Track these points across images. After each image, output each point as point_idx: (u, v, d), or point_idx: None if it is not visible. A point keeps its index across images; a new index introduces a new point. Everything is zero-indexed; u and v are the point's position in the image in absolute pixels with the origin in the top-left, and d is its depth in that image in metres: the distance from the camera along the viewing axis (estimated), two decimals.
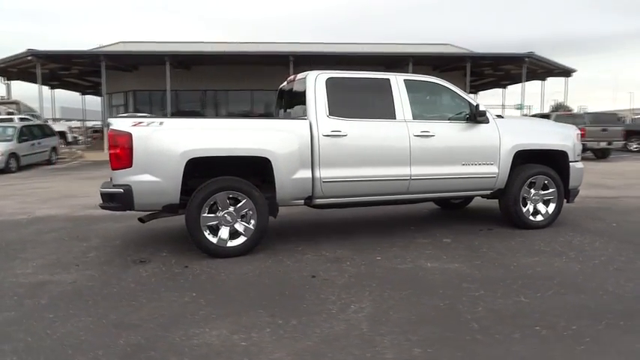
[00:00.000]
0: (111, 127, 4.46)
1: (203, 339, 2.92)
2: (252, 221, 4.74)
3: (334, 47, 27.63)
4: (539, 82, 31.63)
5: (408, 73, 26.28)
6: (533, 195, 5.75)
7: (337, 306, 3.41)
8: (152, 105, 29.57)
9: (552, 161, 5.85)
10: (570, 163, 5.88)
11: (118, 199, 4.46)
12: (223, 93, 29.85)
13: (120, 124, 4.46)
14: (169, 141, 4.51)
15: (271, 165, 4.72)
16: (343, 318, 3.20)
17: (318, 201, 5.03)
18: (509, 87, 35.84)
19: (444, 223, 6.18)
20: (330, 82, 5.08)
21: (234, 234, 4.74)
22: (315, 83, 5.04)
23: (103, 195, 4.54)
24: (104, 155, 21.42)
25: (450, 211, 7.18)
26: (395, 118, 5.23)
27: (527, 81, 32.50)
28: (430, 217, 6.75)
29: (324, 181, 4.91)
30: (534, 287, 3.73)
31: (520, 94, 29.30)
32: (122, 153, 4.41)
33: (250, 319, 3.21)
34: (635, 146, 20.68)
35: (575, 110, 60.04)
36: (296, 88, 5.54)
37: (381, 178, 5.12)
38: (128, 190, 4.42)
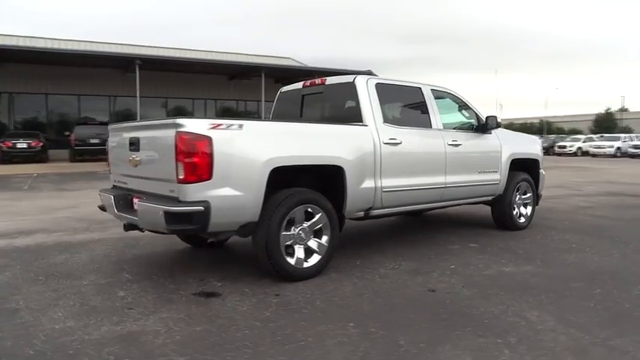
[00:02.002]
0: (182, 129, 3.54)
1: None
2: (325, 237, 4.27)
3: (182, 53, 26.19)
4: None
5: (252, 83, 26.24)
6: (518, 199, 6.38)
7: (515, 317, 3.29)
8: None
9: (527, 168, 6.57)
10: (540, 170, 6.69)
11: (196, 220, 3.56)
12: (40, 97, 25.69)
13: (196, 125, 3.57)
14: (252, 147, 3.79)
15: (344, 174, 4.32)
16: (545, 328, 3.10)
17: (374, 212, 4.77)
18: None
19: (438, 229, 6.41)
20: (379, 88, 4.89)
21: (306, 252, 4.20)
22: (367, 88, 4.78)
23: (173, 215, 3.54)
24: None
25: (413, 218, 7.45)
26: (431, 127, 5.28)
27: None
28: (413, 224, 6.91)
29: (384, 191, 4.68)
30: (624, 281, 4.15)
31: None
32: (201, 162, 3.53)
33: (464, 342, 2.90)
34: None
35: None
36: (329, 93, 5.17)
37: (425, 186, 5.10)
38: (207, 207, 3.57)
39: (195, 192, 3.54)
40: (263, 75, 23.62)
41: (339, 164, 4.28)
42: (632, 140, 34.88)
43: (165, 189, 3.74)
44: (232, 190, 3.67)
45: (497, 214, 6.30)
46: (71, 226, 6.70)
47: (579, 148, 35.43)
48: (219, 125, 3.64)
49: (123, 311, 3.44)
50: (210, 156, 3.55)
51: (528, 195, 6.48)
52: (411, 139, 4.95)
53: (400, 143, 4.80)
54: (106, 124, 21.37)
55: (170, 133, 3.59)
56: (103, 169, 17.10)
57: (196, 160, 3.51)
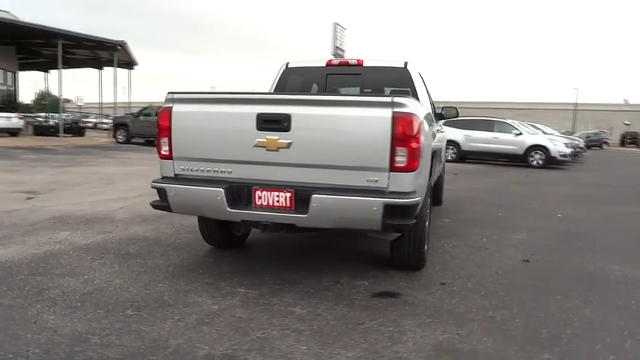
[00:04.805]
0: (403, 109, 3.08)
1: None
2: (427, 222, 4.30)
3: None
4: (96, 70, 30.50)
5: None
6: None
7: (615, 273, 4.16)
8: None
9: None
10: None
11: (412, 213, 3.19)
12: None
13: (413, 105, 3.16)
14: (425, 129, 3.54)
15: (435, 158, 4.44)
16: None
17: None
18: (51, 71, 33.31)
19: None
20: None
21: None
22: (419, 74, 4.91)
23: (395, 208, 3.04)
24: None
25: None
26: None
27: (83, 67, 31.40)
28: None
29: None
30: (613, 231, 5.62)
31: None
32: (418, 147, 3.17)
33: None
34: None
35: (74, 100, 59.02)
36: (370, 75, 5.00)
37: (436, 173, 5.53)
38: (420, 198, 3.26)
39: (411, 181, 3.17)
40: None
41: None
42: None
43: (357, 178, 3.16)
44: (422, 178, 3.42)
45: (434, 194, 7.15)
46: None
47: None
48: (415, 104, 3.31)
49: (361, 327, 2.85)
50: (420, 140, 3.22)
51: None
52: (440, 126, 5.30)
53: (441, 130, 5.12)
54: None
55: (381, 113, 3.08)
56: None
57: (415, 146, 3.14)
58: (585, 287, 3.74)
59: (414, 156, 3.12)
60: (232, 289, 3.41)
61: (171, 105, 3.48)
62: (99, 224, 5.29)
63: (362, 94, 5.01)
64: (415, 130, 3.10)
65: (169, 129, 3.48)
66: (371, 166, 3.12)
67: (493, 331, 2.87)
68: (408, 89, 4.86)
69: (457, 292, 3.52)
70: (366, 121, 3.11)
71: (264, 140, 3.25)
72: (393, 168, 3.09)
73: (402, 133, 3.06)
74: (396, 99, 3.08)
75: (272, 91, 5.20)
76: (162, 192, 3.49)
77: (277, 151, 3.25)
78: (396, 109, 3.06)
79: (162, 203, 3.50)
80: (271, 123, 3.24)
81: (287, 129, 3.21)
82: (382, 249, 4.15)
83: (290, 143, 3.22)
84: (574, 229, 6.03)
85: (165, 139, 3.51)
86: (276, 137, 3.23)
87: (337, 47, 52.07)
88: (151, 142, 20.67)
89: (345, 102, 3.23)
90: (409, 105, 3.10)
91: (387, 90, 5.22)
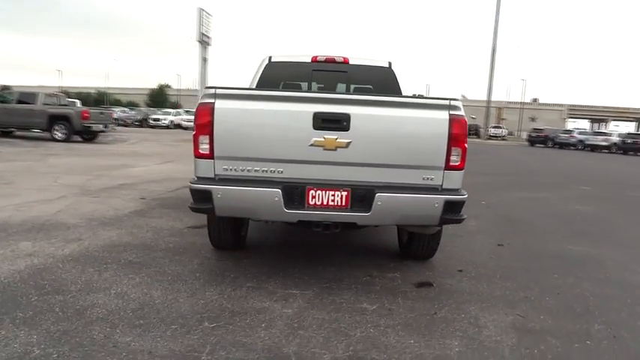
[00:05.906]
0: (458, 112, 3.30)
1: None
2: None
3: None
4: None
5: None
6: None
7: (583, 256, 4.98)
8: None
9: None
10: None
11: (462, 208, 3.46)
12: None
13: (462, 108, 3.41)
14: None
15: None
16: (615, 263, 4.95)
17: None
18: None
19: None
20: None
21: None
22: (402, 73, 5.19)
23: (453, 205, 3.27)
24: None
25: None
26: None
27: None
28: None
29: None
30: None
31: None
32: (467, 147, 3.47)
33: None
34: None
35: None
36: (355, 73, 5.12)
37: None
38: None
39: (460, 179, 3.43)
40: None
41: None
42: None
43: (413, 177, 3.33)
44: None
45: None
46: None
47: (171, 121, 38.41)
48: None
49: (437, 317, 3.06)
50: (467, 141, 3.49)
51: None
52: None
53: None
54: None
55: (439, 115, 3.28)
56: None
57: (467, 146, 3.41)
58: (564, 265, 4.39)
59: (465, 155, 3.37)
60: (284, 291, 3.35)
61: (212, 100, 3.27)
62: (55, 231, 4.68)
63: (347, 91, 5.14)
64: (465, 130, 3.36)
65: (211, 126, 3.26)
66: (428, 164, 3.31)
67: (539, 309, 3.27)
68: (370, 87, 5.14)
69: (478, 277, 3.89)
70: (425, 122, 3.29)
71: (322, 140, 3.24)
72: (448, 167, 3.31)
73: (458, 134, 3.30)
74: (453, 102, 3.30)
75: (254, 86, 5.05)
76: (204, 194, 3.26)
77: (335, 150, 3.26)
78: (452, 112, 3.28)
79: (205, 206, 3.28)
80: (330, 122, 3.23)
81: (346, 128, 3.24)
82: (380, 239, 4.35)
83: (349, 143, 3.25)
84: (506, 214, 6.90)
85: (204, 137, 3.29)
86: (335, 137, 3.24)
87: (203, 34, 50.39)
88: (7, 133, 18.06)
89: (404, 103, 3.36)
90: (462, 108, 3.35)
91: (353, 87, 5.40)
